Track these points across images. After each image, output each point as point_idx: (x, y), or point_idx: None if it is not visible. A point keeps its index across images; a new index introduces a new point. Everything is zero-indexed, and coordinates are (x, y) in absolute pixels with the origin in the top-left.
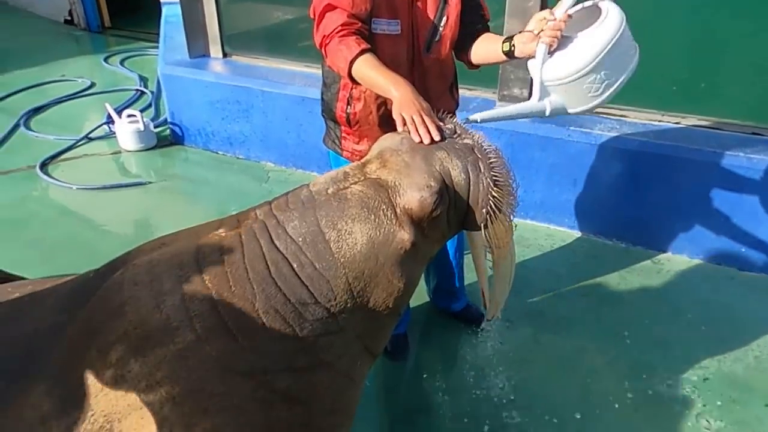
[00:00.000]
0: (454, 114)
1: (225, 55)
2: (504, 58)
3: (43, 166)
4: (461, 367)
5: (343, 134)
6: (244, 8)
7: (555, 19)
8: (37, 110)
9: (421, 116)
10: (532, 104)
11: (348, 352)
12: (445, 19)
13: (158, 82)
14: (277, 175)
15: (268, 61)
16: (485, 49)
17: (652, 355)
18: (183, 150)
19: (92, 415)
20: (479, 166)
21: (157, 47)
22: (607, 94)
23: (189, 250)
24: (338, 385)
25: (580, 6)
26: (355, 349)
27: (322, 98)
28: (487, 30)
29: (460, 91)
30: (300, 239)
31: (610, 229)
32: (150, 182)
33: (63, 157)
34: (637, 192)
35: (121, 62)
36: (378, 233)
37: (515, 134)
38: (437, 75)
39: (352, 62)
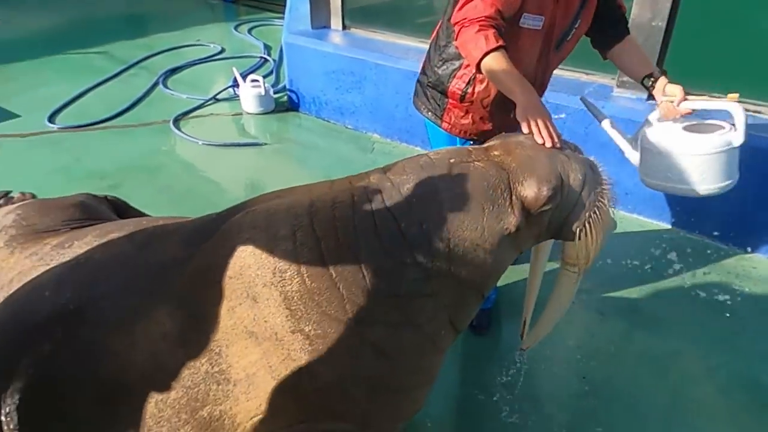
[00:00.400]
0: None
1: (345, 27)
2: (639, 82)
3: (176, 121)
4: (545, 351)
5: (449, 106)
6: None
7: (677, 104)
8: (174, 71)
9: (546, 122)
10: (626, 142)
11: (436, 318)
12: (579, 21)
13: (281, 51)
14: (382, 146)
15: (385, 35)
16: (628, 62)
17: (759, 370)
18: (297, 116)
19: (204, 337)
20: (593, 179)
21: (282, 18)
22: (659, 183)
23: (303, 203)
24: (423, 348)
25: (724, 128)
26: (442, 318)
27: (432, 70)
28: (627, 31)
29: (577, 75)
30: (414, 199)
31: (728, 233)
32: (265, 144)
33: (192, 114)
34: (766, 195)
35: (249, 31)
36: (491, 208)
37: (629, 122)
38: (554, 69)
39: (485, 54)
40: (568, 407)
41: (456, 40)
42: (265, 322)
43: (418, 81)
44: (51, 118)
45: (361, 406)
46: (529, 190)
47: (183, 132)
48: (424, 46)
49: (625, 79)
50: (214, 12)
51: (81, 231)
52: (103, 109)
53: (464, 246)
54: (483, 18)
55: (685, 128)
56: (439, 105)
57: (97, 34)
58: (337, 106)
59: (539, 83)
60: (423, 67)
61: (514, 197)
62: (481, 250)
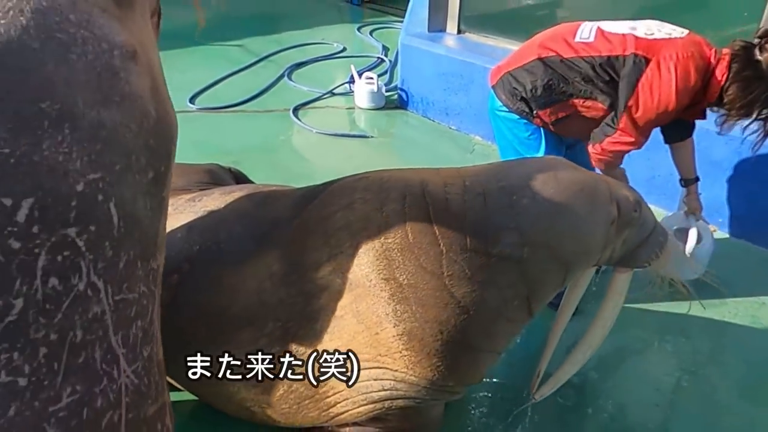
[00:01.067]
0: None
1: (460, 31)
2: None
3: (295, 110)
4: (621, 361)
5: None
6: None
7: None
8: (299, 65)
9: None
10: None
11: (515, 286)
12: None
13: (397, 53)
14: (483, 149)
15: (497, 40)
16: (678, 159)
17: None
18: (405, 114)
19: (304, 279)
20: (661, 230)
21: (402, 22)
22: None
23: (415, 178)
24: (498, 310)
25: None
26: (520, 290)
27: (534, 86)
28: (690, 135)
29: None
30: (532, 177)
31: None
32: (372, 137)
33: (310, 105)
34: None
35: (371, 32)
36: (599, 197)
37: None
38: None
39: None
40: (638, 416)
41: (601, 153)
42: (361, 269)
43: (512, 83)
44: (192, 100)
45: (432, 358)
46: (624, 191)
47: (301, 120)
48: None
49: None
50: (341, 13)
51: (209, 191)
52: (235, 95)
53: (566, 223)
54: (619, 160)
55: (681, 228)
56: (529, 110)
57: (236, 29)
58: (444, 107)
59: None
60: (521, 72)
61: (612, 198)
62: (578, 230)
